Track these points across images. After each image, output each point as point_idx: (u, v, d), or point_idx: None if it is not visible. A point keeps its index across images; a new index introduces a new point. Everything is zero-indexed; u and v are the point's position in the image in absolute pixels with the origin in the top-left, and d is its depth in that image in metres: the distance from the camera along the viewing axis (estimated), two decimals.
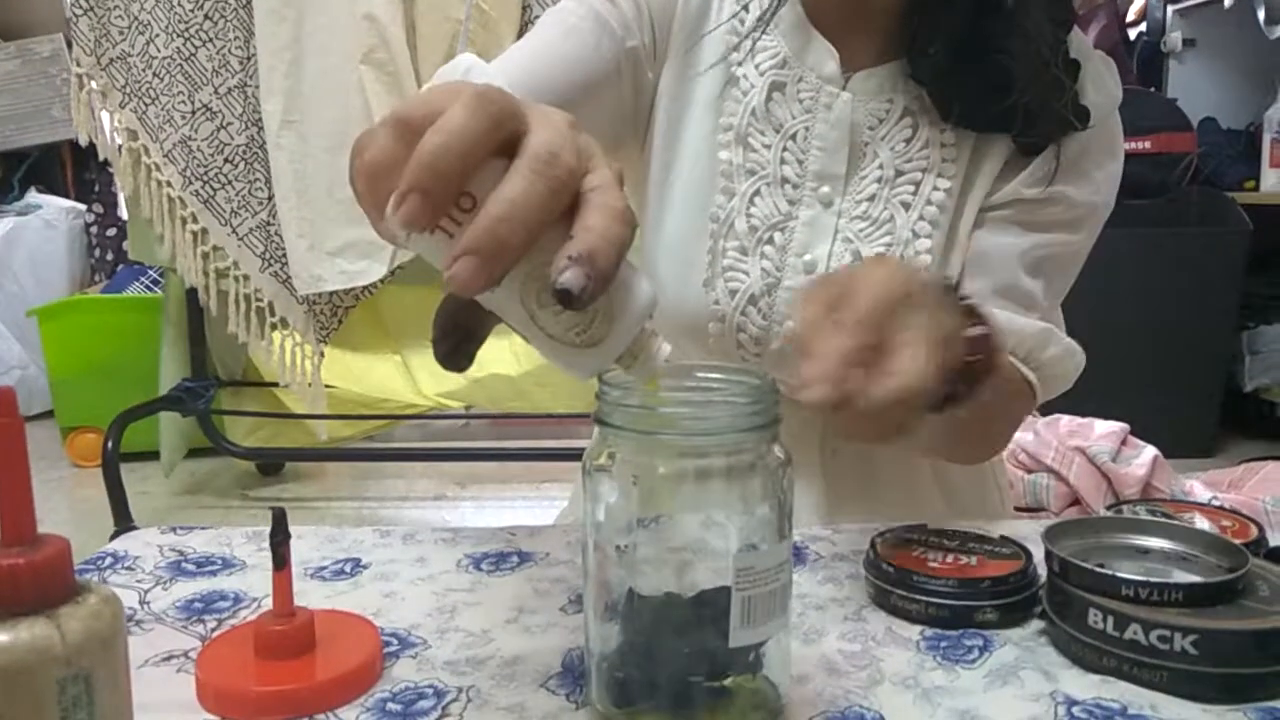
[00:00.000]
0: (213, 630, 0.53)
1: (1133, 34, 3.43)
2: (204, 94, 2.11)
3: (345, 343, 2.43)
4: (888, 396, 0.44)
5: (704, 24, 0.77)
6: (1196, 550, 0.52)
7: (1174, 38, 3.24)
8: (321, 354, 2.27)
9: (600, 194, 0.35)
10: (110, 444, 2.18)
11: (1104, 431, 1.98)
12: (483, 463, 2.70)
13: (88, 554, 0.63)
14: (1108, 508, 0.68)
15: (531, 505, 2.51)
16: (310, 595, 0.57)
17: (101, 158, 2.13)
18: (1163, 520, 0.56)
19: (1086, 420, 2.03)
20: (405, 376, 2.59)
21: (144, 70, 2.09)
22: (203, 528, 0.68)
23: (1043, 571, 0.53)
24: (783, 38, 0.75)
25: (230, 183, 2.15)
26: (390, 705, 0.45)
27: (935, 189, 0.74)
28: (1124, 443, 1.97)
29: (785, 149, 0.74)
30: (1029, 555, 0.55)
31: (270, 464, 2.79)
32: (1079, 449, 1.94)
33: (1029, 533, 0.61)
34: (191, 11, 2.08)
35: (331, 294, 2.21)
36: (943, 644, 0.51)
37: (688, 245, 0.76)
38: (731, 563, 0.40)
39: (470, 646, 0.51)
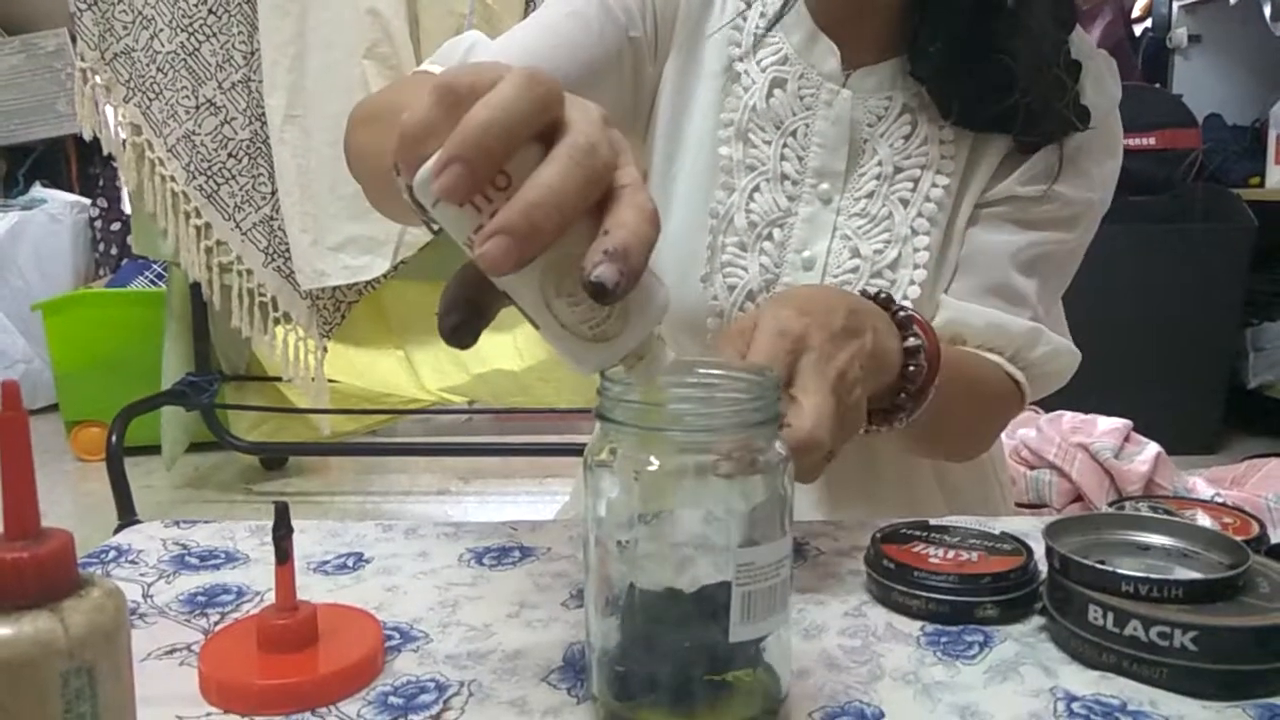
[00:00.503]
0: (215, 624, 0.53)
1: (1138, 30, 3.42)
2: (208, 89, 2.11)
3: (348, 338, 2.43)
4: (789, 451, 0.47)
5: (706, 19, 0.77)
6: (1197, 547, 0.52)
7: (1179, 34, 3.23)
8: (324, 349, 2.27)
9: (632, 192, 0.35)
10: (114, 438, 2.18)
11: (1107, 428, 1.98)
12: (486, 458, 2.71)
13: (92, 548, 0.63)
14: (1109, 504, 0.68)
15: (534, 500, 2.51)
16: (312, 589, 0.57)
17: (106, 152, 2.14)
18: (1163, 517, 0.56)
19: (1089, 416, 2.03)
20: (408, 371, 2.60)
21: (148, 65, 2.09)
22: (206, 522, 0.68)
23: (1043, 568, 0.53)
24: (785, 34, 0.75)
25: (234, 177, 2.15)
26: (392, 699, 0.45)
27: (934, 186, 0.74)
28: (1127, 439, 1.97)
29: (785, 145, 0.75)
30: (1030, 551, 0.55)
31: (273, 458, 2.80)
32: (1082, 445, 1.93)
33: (1030, 529, 0.61)
34: (195, 6, 2.08)
35: (334, 289, 2.22)
36: (943, 640, 0.51)
37: (688, 240, 0.76)
38: (732, 558, 0.40)
39: (472, 640, 0.51)
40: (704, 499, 0.41)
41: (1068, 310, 0.81)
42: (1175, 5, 3.28)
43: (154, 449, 2.55)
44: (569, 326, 0.37)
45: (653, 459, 0.40)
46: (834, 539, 0.65)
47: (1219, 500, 0.74)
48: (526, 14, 1.99)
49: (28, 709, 0.29)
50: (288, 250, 2.16)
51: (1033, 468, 1.99)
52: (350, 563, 0.61)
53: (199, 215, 2.15)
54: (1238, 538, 0.52)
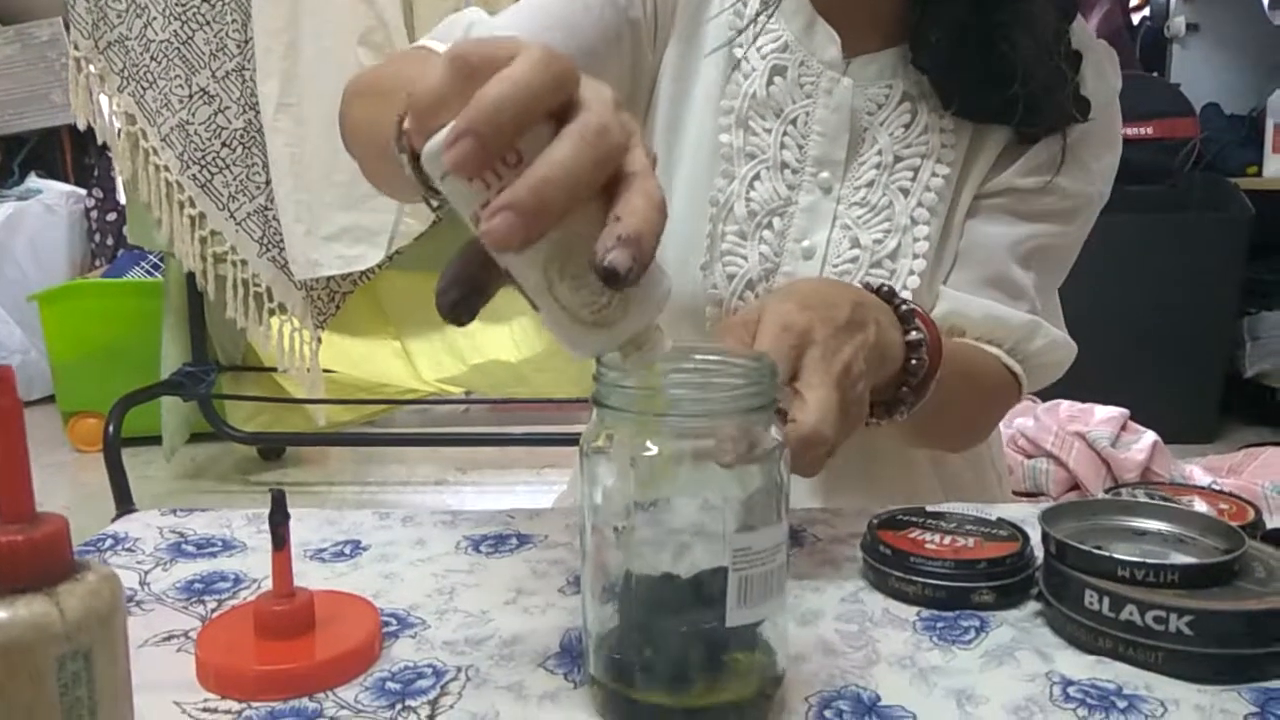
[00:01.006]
0: (212, 611, 0.53)
1: (1136, 19, 3.42)
2: (201, 77, 2.10)
3: (344, 328, 2.42)
4: (792, 445, 0.49)
5: (707, 4, 0.76)
6: (1193, 532, 0.52)
7: (1177, 22, 3.22)
8: (319, 339, 2.27)
9: (642, 179, 0.35)
10: (111, 429, 2.18)
11: (1104, 417, 1.98)
12: (483, 448, 2.70)
13: (87, 539, 0.63)
14: (1106, 491, 0.68)
15: (532, 490, 2.51)
16: (310, 577, 0.57)
17: (100, 142, 2.13)
18: (1159, 503, 0.56)
19: (1086, 405, 2.03)
20: (404, 362, 2.59)
21: (142, 54, 2.08)
22: (203, 510, 0.68)
23: (1039, 554, 0.53)
24: (785, 21, 0.75)
25: (228, 167, 2.15)
26: (390, 684, 0.45)
27: (934, 175, 0.74)
28: (1124, 428, 1.97)
29: (785, 133, 0.74)
30: (1026, 537, 0.55)
31: (271, 449, 2.79)
32: (1078, 434, 1.94)
33: (1026, 515, 0.61)
34: None
35: (329, 279, 2.21)
36: (939, 625, 0.51)
37: (687, 228, 0.75)
38: (728, 543, 0.40)
39: (469, 627, 0.51)
40: (700, 484, 0.41)
41: (1064, 299, 0.80)
42: None
43: (151, 440, 2.55)
44: (570, 310, 0.37)
45: (649, 444, 0.40)
46: (831, 526, 0.65)
47: (1215, 488, 0.74)
48: None
49: (23, 692, 0.29)
50: (282, 240, 2.15)
51: (1030, 456, 2.00)
52: (347, 550, 0.61)
53: (193, 205, 2.14)
54: (1234, 523, 0.52)
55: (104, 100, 2.10)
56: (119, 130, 2.11)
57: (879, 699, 0.44)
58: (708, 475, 0.41)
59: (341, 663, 0.46)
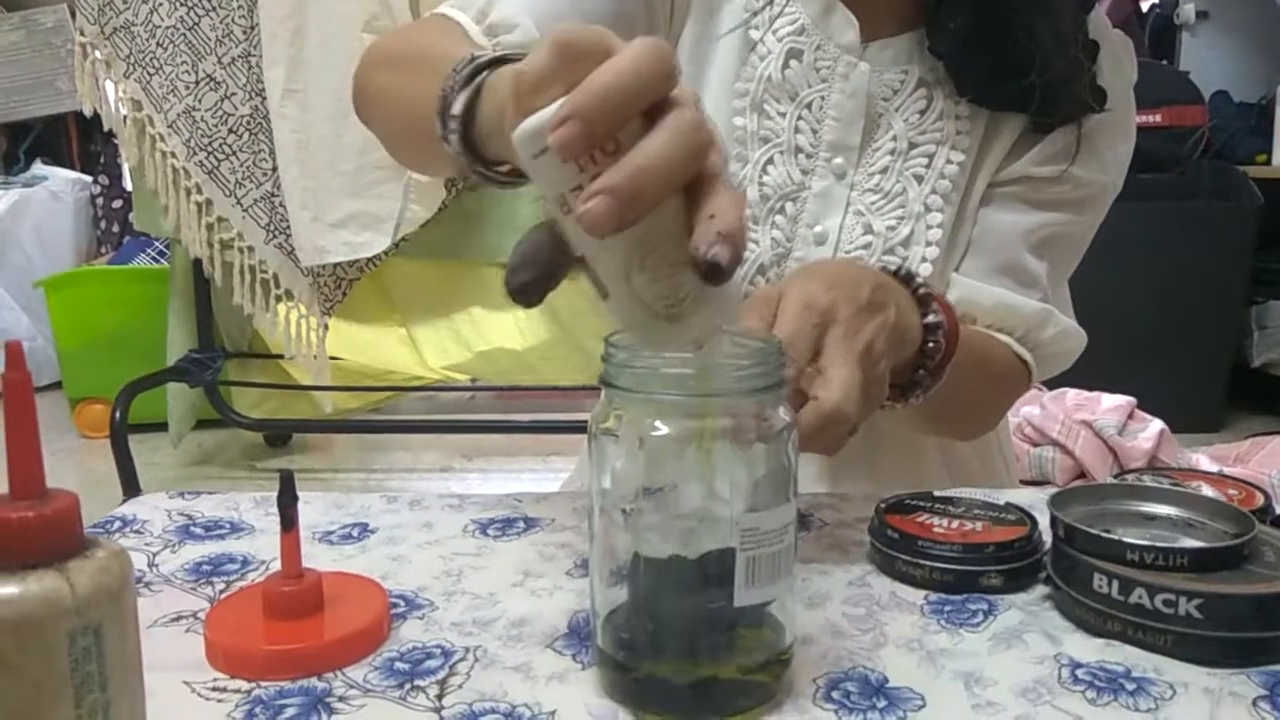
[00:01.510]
0: (221, 592, 0.53)
1: (1145, 6, 3.39)
2: (207, 64, 2.10)
3: (350, 315, 2.42)
4: (815, 422, 0.50)
5: None
6: (1202, 517, 0.52)
7: (1187, 10, 3.20)
8: (326, 326, 2.27)
9: (725, 181, 0.36)
10: (118, 415, 2.19)
11: (1110, 405, 1.98)
12: (488, 435, 2.71)
13: (95, 522, 0.63)
14: (1114, 476, 0.68)
15: (537, 477, 2.52)
16: (318, 559, 0.57)
17: (106, 129, 2.13)
18: (1169, 487, 0.56)
19: (1093, 394, 2.03)
20: (410, 349, 2.59)
21: (147, 40, 2.08)
22: (210, 493, 0.68)
23: (1048, 538, 0.53)
24: (803, 5, 0.74)
25: (234, 153, 2.14)
26: (398, 664, 0.45)
27: (949, 162, 0.73)
28: (1130, 416, 1.97)
29: (800, 118, 0.74)
30: (1034, 522, 0.55)
31: (277, 435, 2.80)
32: (1085, 422, 1.94)
33: (1034, 500, 0.61)
34: None
35: (335, 266, 2.21)
36: (947, 608, 0.51)
37: None
38: (736, 524, 0.40)
39: (477, 608, 0.51)
40: (708, 465, 0.41)
41: (1071, 287, 0.80)
42: None
43: (157, 426, 2.56)
44: (643, 301, 0.37)
45: (658, 424, 0.40)
46: (838, 510, 0.65)
47: (1223, 473, 0.74)
48: None
49: (35, 667, 0.29)
50: (289, 227, 2.15)
51: (1036, 445, 2.00)
52: (355, 533, 0.61)
53: (199, 191, 2.14)
54: (1243, 508, 0.52)
55: (110, 86, 2.10)
56: (125, 117, 2.11)
57: (887, 680, 0.44)
58: (717, 456, 0.41)
59: (350, 643, 0.46)
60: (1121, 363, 2.16)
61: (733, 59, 0.75)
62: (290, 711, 0.42)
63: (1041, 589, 0.53)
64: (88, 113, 2.09)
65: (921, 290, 0.62)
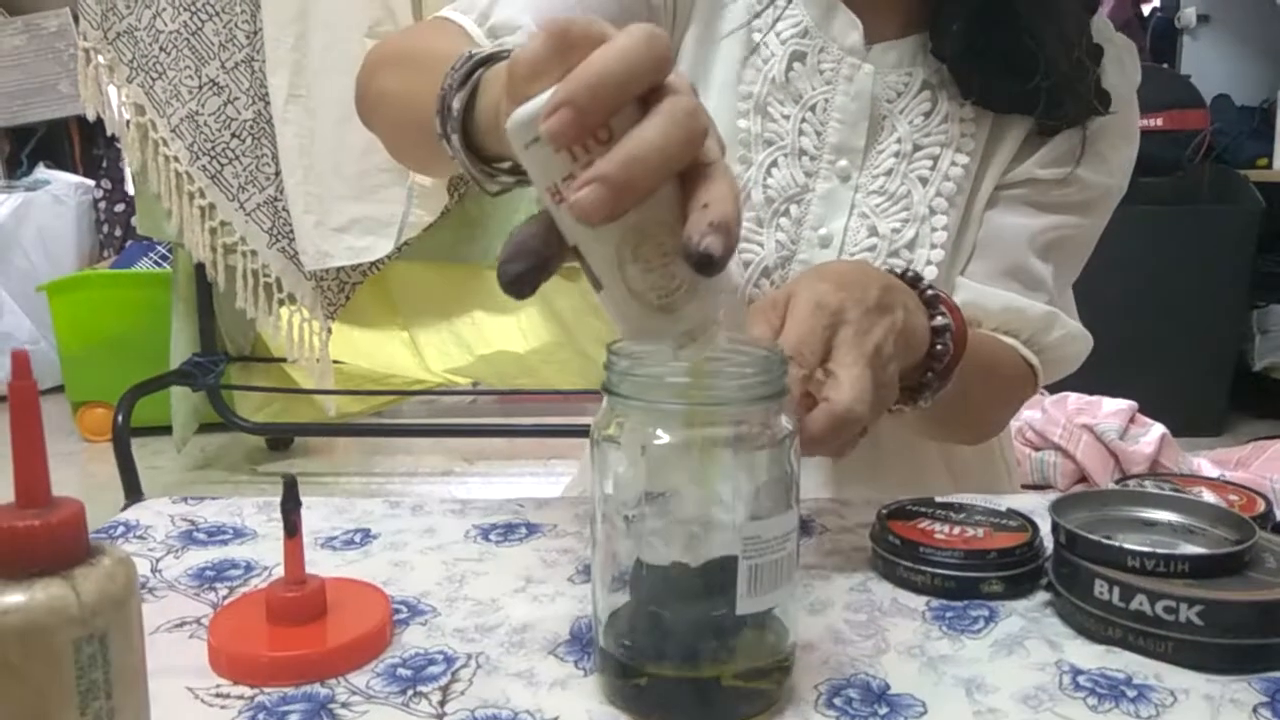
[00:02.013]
0: (224, 598, 0.54)
1: (1146, 9, 3.40)
2: (211, 68, 2.11)
3: (353, 319, 2.43)
4: (827, 423, 0.49)
5: None
6: (1203, 523, 0.52)
7: (1188, 13, 3.20)
8: (329, 330, 2.28)
9: (721, 169, 0.36)
10: (120, 419, 2.19)
11: (1112, 409, 1.98)
12: (490, 439, 2.71)
13: (98, 527, 0.64)
14: (1115, 481, 0.68)
15: (539, 481, 2.52)
16: (320, 565, 0.57)
17: (109, 133, 2.13)
18: (1170, 493, 0.56)
19: (1094, 398, 2.03)
20: (413, 353, 2.60)
21: (151, 44, 2.09)
22: (213, 498, 0.68)
23: (1049, 544, 0.53)
24: (805, 7, 0.74)
25: (237, 158, 2.15)
26: (401, 670, 0.45)
27: (953, 164, 0.73)
28: (1132, 420, 1.97)
29: (804, 120, 0.74)
30: (1035, 528, 0.55)
31: (279, 439, 2.81)
32: (1086, 426, 1.94)
33: (1035, 506, 0.61)
34: None
35: (339, 270, 2.22)
36: (948, 614, 0.51)
37: None
38: (738, 531, 0.40)
39: (479, 614, 0.51)
40: (711, 473, 0.41)
41: (1075, 291, 0.80)
42: None
43: (160, 430, 2.56)
44: (636, 292, 0.37)
45: (660, 433, 0.40)
46: (839, 516, 0.65)
47: (1224, 479, 0.74)
48: None
49: (40, 675, 0.29)
50: (292, 231, 2.15)
51: (1037, 449, 2.00)
52: (358, 539, 0.62)
53: (203, 196, 2.15)
54: (1243, 514, 0.52)
55: (113, 91, 2.11)
56: (128, 121, 2.11)
57: (888, 687, 0.44)
58: (718, 463, 0.41)
59: (353, 649, 0.46)
60: (1123, 367, 2.16)
61: (735, 61, 0.75)
62: (293, 717, 0.42)
63: (1043, 595, 0.53)
64: (91, 117, 2.09)
65: (929, 293, 0.62)
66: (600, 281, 0.37)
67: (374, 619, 0.48)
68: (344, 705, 0.43)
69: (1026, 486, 1.92)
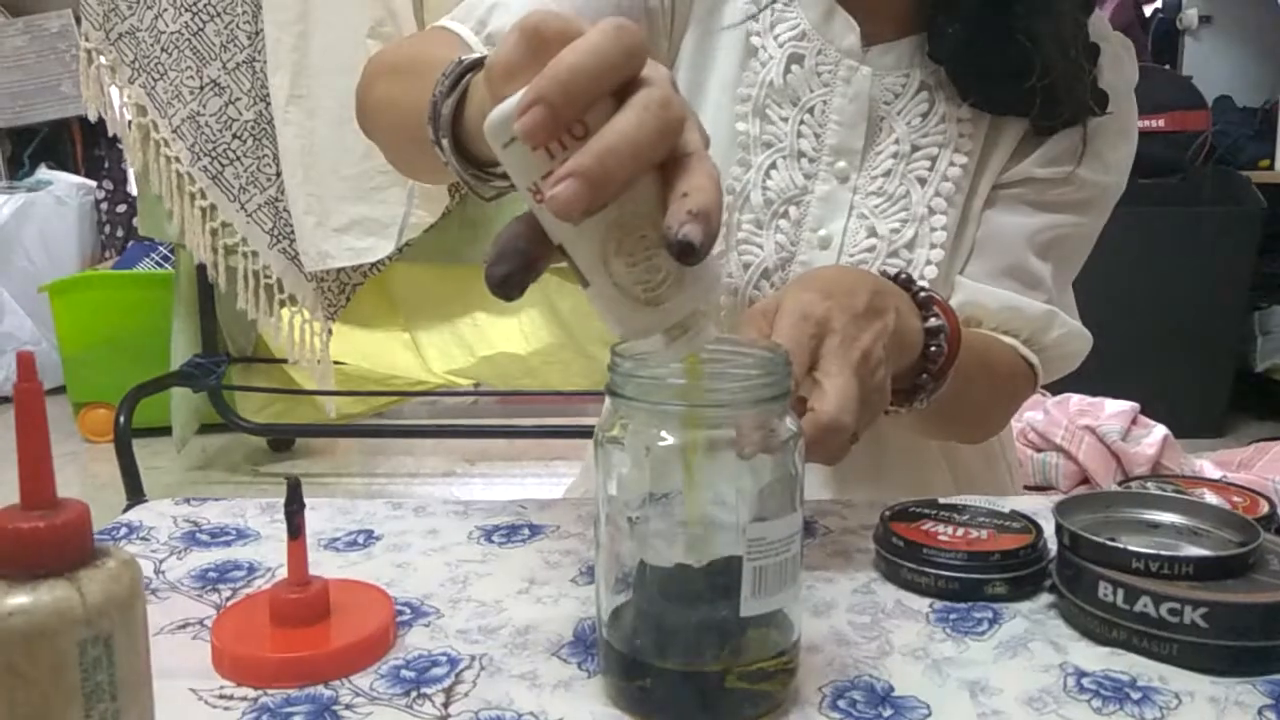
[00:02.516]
0: (227, 599, 0.54)
1: (1148, 10, 3.39)
2: (212, 69, 2.11)
3: (354, 320, 2.43)
4: (813, 433, 0.50)
5: None
6: (1207, 525, 0.52)
7: (1190, 14, 3.20)
8: (330, 331, 2.28)
9: (700, 158, 0.35)
10: (122, 419, 2.19)
11: (1114, 411, 1.98)
12: (491, 440, 2.71)
13: (101, 528, 0.64)
14: (1118, 483, 0.68)
15: (540, 482, 2.52)
16: (323, 566, 0.57)
17: (111, 134, 2.13)
18: (1173, 495, 0.56)
19: (1097, 399, 2.03)
20: (414, 354, 2.60)
21: (152, 45, 2.09)
22: (216, 499, 0.68)
23: (1052, 546, 0.53)
24: (803, 9, 0.74)
25: (238, 159, 2.15)
26: (404, 672, 0.45)
27: (951, 165, 0.74)
28: (1134, 422, 1.97)
29: (802, 122, 0.74)
30: (1039, 530, 0.55)
31: (281, 440, 2.80)
32: (1089, 428, 1.93)
33: (1039, 507, 0.61)
34: None
35: (339, 271, 2.22)
36: (952, 616, 0.51)
37: None
38: (743, 533, 0.40)
39: (483, 616, 0.51)
40: (715, 474, 0.41)
41: (1075, 292, 0.80)
42: None
43: (161, 430, 2.56)
44: (622, 287, 0.36)
45: (664, 434, 0.40)
46: (843, 518, 0.65)
47: (1227, 480, 0.74)
48: None
49: (45, 677, 0.29)
50: (293, 232, 2.15)
51: (1039, 450, 2.00)
52: (361, 540, 0.62)
53: (204, 196, 2.15)
54: (1247, 516, 0.52)
55: (115, 92, 2.11)
56: (130, 122, 2.11)
57: (892, 689, 0.44)
58: (723, 464, 0.41)
59: (356, 650, 0.46)
60: (1125, 368, 2.16)
61: (733, 63, 0.75)
62: (297, 719, 0.42)
63: (1046, 597, 0.53)
64: (92, 118, 2.10)
65: (922, 294, 0.62)
66: (586, 279, 0.37)
67: (377, 620, 0.48)
68: (347, 707, 0.43)
69: (1028, 488, 1.92)
